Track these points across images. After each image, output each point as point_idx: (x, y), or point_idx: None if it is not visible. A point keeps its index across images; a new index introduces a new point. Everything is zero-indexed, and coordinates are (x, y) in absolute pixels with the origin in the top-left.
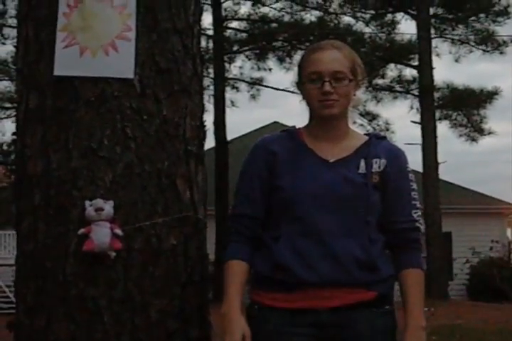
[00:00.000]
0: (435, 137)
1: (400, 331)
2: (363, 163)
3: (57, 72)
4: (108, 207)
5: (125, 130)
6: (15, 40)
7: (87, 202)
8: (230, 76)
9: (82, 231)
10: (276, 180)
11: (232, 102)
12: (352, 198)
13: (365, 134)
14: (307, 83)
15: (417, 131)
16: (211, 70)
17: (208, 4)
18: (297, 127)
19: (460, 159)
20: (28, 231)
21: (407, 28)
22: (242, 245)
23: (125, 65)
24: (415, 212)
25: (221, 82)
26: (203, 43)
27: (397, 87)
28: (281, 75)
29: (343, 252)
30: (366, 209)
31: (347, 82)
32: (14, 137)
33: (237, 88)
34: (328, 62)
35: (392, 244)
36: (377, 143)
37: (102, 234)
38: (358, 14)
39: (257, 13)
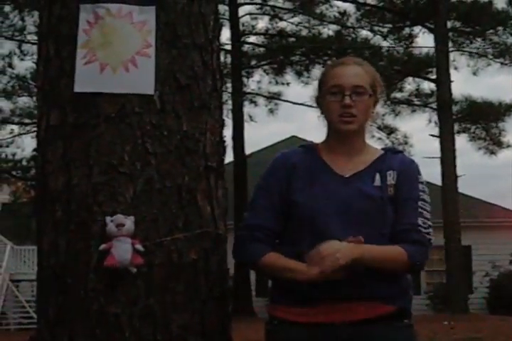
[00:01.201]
0: (454, 150)
1: None
2: (378, 176)
3: (77, 89)
4: (129, 222)
5: (145, 146)
6: (34, 56)
7: (108, 218)
8: (248, 90)
9: (103, 246)
10: (292, 195)
11: (250, 117)
12: (369, 212)
13: (382, 149)
14: (327, 96)
15: (435, 145)
16: (229, 85)
17: (225, 19)
18: (315, 142)
19: (479, 172)
20: (49, 247)
21: (424, 41)
22: (265, 245)
23: (145, 81)
24: (421, 220)
25: (239, 96)
26: (221, 58)
27: (416, 101)
28: (299, 89)
29: (362, 266)
30: (383, 221)
31: (367, 97)
32: (34, 153)
33: (255, 102)
34: (349, 76)
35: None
36: (393, 157)
37: (123, 250)
38: (376, 28)
39: (274, 28)
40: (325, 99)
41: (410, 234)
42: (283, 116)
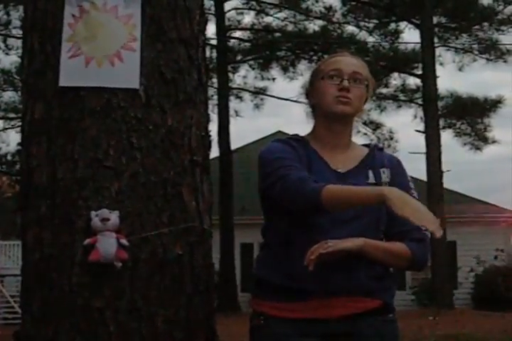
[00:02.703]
0: (439, 146)
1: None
2: (371, 174)
3: (62, 83)
4: (114, 217)
5: (131, 140)
6: (19, 51)
7: (93, 213)
8: (234, 85)
9: (87, 241)
10: None
11: (236, 112)
12: (365, 208)
13: (364, 145)
14: (325, 79)
15: (421, 140)
16: (215, 80)
17: (211, 14)
18: (300, 135)
19: (464, 168)
20: (33, 242)
21: (410, 37)
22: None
23: (130, 75)
24: None
25: (225, 91)
26: (207, 53)
27: (401, 96)
28: (284, 84)
29: (350, 261)
30: (378, 218)
31: (363, 86)
32: (18, 147)
33: (240, 97)
34: (348, 63)
35: None
36: (380, 154)
37: (107, 245)
38: (362, 23)
39: (260, 23)
40: (322, 83)
41: (412, 233)
42: (268, 111)
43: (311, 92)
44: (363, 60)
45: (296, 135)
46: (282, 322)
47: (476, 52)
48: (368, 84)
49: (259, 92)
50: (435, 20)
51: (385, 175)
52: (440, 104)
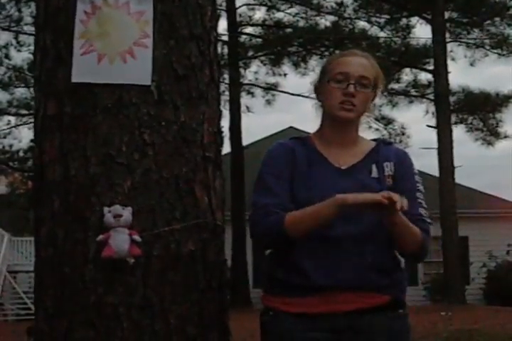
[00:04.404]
0: (451, 141)
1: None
2: (374, 168)
3: (75, 79)
4: (127, 213)
5: (143, 136)
6: (30, 47)
7: (106, 209)
8: (245, 81)
9: (100, 237)
10: (293, 185)
11: (247, 107)
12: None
13: (373, 140)
14: (332, 82)
15: (432, 136)
16: (226, 76)
17: (222, 10)
18: (306, 135)
19: (476, 163)
20: (46, 238)
21: (422, 32)
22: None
23: (143, 72)
24: (422, 210)
25: (236, 87)
26: (218, 49)
27: (413, 92)
28: (296, 80)
29: (360, 256)
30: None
31: (369, 90)
32: (31, 144)
33: (252, 93)
34: (356, 65)
35: None
36: (386, 148)
37: (120, 241)
38: (373, 19)
39: (271, 19)
40: (328, 86)
41: (417, 224)
42: (280, 106)
43: (319, 89)
44: (372, 58)
45: (301, 135)
46: (290, 316)
47: (488, 47)
48: (377, 84)
49: (270, 88)
50: (447, 15)
51: (388, 168)
52: (452, 99)
